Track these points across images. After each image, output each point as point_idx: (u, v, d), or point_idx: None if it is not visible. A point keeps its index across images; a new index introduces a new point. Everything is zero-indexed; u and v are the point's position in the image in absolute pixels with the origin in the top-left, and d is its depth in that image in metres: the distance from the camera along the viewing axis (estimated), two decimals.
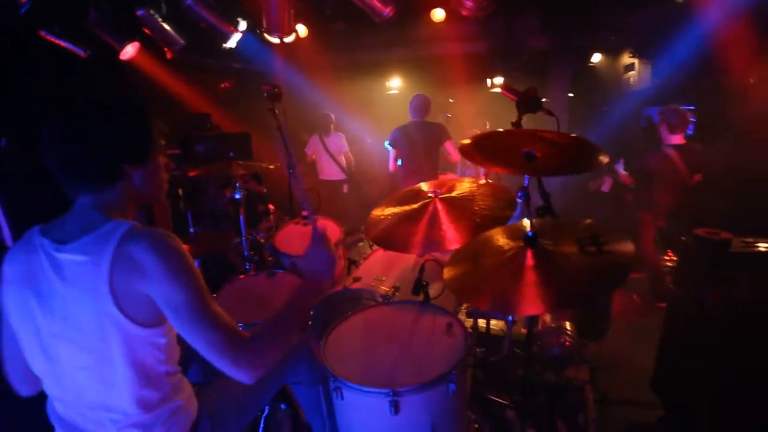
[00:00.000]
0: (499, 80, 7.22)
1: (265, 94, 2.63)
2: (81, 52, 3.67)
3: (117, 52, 3.60)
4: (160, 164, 1.19)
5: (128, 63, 3.71)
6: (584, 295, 1.21)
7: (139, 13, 3.29)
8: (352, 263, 2.92)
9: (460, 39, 5.13)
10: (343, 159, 5.47)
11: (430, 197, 1.93)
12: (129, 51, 3.61)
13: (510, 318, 2.01)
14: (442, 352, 1.49)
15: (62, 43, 3.58)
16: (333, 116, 5.58)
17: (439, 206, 1.90)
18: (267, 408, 2.05)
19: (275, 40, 3.33)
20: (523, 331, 2.36)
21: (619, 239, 1.25)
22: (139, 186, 1.14)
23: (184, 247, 1.08)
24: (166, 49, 3.56)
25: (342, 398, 1.45)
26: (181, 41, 3.53)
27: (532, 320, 2.06)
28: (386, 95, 8.26)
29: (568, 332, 2.53)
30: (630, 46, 4.97)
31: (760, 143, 4.24)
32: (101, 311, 1.01)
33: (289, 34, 3.29)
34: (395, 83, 8.15)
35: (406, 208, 1.98)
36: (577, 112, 7.05)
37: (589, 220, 1.45)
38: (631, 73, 5.07)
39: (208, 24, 3.27)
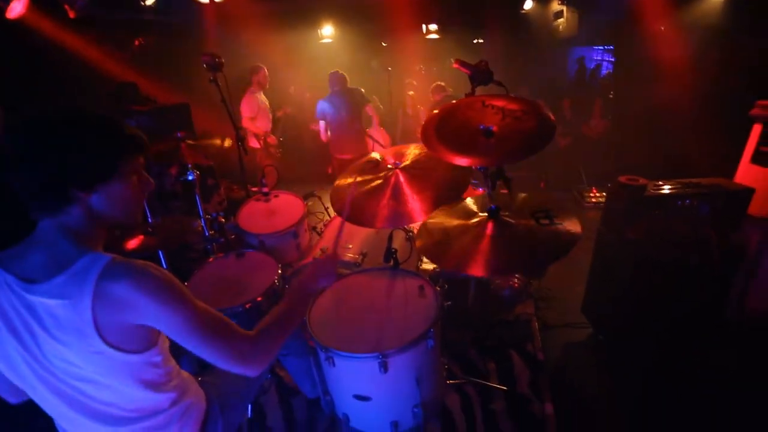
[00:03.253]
0: (433, 26, 7.17)
1: (205, 65, 2.46)
2: None
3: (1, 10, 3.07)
4: (128, 184, 1.08)
5: (21, 24, 3.17)
6: (530, 264, 1.43)
7: None
8: (313, 230, 2.98)
9: None
10: (243, 123, 4.69)
11: (391, 168, 2.01)
12: (16, 8, 3.08)
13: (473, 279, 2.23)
14: (419, 313, 1.66)
15: None
16: (261, 68, 4.74)
17: (402, 177, 1.98)
18: None
19: (204, 0, 3.00)
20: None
21: (569, 217, 1.44)
22: (100, 210, 1.05)
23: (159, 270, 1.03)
24: (66, 6, 3.05)
25: (334, 365, 1.60)
26: None
27: None
28: (319, 44, 7.87)
29: (516, 276, 2.86)
30: None
31: (669, 85, 4.73)
32: (90, 350, 0.98)
33: None
34: (327, 31, 7.75)
35: (369, 178, 2.05)
36: (515, 57, 7.30)
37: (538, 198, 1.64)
38: (560, 20, 5.29)
39: None
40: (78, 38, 3.41)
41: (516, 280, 2.81)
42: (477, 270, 1.39)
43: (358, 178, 2.04)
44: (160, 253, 2.06)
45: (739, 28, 4.11)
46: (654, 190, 2.67)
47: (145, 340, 1.06)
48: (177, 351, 1.25)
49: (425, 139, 1.62)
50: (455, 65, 1.81)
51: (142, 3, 3.13)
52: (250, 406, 2.25)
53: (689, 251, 2.58)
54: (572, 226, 1.40)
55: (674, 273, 2.61)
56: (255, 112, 4.72)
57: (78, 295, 0.95)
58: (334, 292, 1.90)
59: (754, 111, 2.84)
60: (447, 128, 1.64)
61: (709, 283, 2.65)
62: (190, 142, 2.26)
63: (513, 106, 1.61)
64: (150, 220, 1.98)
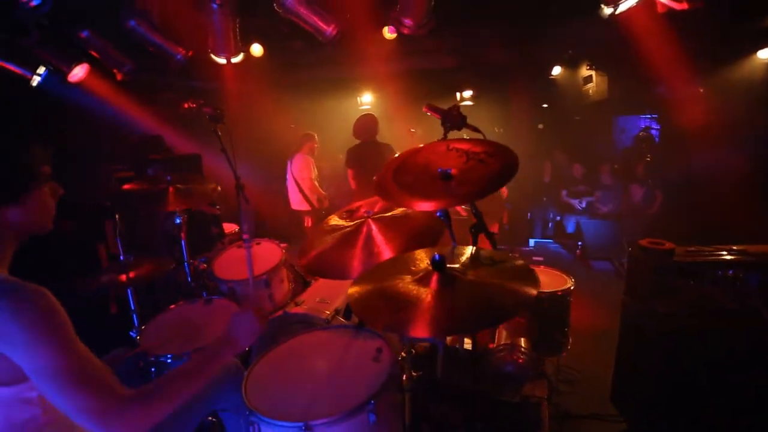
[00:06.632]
0: (467, 93, 7.34)
1: (207, 117, 2.60)
2: (29, 75, 3.59)
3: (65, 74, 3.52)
4: (41, 195, 1.09)
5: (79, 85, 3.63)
6: (471, 326, 1.27)
7: (83, 34, 3.22)
8: (304, 282, 2.86)
9: (421, 53, 5.19)
10: (307, 186, 4.94)
11: (363, 218, 1.90)
12: (78, 73, 3.53)
13: (441, 343, 1.96)
14: (364, 380, 1.42)
15: (9, 66, 3.50)
16: (314, 136, 5.07)
17: (373, 227, 1.87)
18: None
19: (222, 61, 3.29)
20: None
21: (529, 278, 1.23)
22: (16, 222, 1.05)
23: (54, 303, 0.97)
24: (114, 70, 3.48)
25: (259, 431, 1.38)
26: (130, 62, 3.45)
27: (474, 337, 2.02)
28: (360, 111, 8.30)
29: (522, 349, 2.48)
30: (587, 58, 5.11)
31: (713, 150, 4.35)
32: None
33: (236, 54, 3.26)
34: (367, 99, 8.18)
35: (341, 225, 1.95)
36: (548, 121, 7.22)
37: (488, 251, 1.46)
38: (590, 84, 5.20)
39: (155, 46, 3.22)
40: (123, 97, 3.86)
41: (521, 355, 2.43)
42: (417, 331, 1.17)
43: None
44: (129, 290, 2.03)
45: None
46: (686, 256, 2.30)
47: (14, 370, 0.95)
48: None
49: (379, 187, 1.51)
50: (425, 110, 1.74)
51: (182, 67, 3.47)
52: None
53: (736, 328, 2.12)
54: (529, 285, 1.17)
55: (719, 355, 2.14)
56: (315, 175, 4.90)
57: None
58: (288, 349, 1.72)
59: None
60: (405, 174, 1.52)
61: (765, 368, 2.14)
62: (179, 186, 2.31)
63: (477, 149, 1.48)
64: (122, 257, 1.98)
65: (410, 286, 1.25)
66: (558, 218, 6.16)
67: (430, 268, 1.25)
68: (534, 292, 1.15)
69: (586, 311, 3.92)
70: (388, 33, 3.65)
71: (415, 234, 1.79)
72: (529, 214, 6.22)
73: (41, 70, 3.62)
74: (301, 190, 4.89)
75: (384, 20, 3.43)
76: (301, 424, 1.27)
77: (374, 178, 1.57)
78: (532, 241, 6.04)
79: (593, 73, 5.03)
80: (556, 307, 2.67)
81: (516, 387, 2.53)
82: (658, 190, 5.42)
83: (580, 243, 5.41)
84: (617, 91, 5.13)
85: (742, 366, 2.12)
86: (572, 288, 2.68)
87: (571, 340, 2.77)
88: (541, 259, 5.60)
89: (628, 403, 2.56)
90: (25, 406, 0.99)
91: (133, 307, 2.06)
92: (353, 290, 1.33)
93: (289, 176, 5.02)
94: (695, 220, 4.20)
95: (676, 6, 2.37)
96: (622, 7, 2.42)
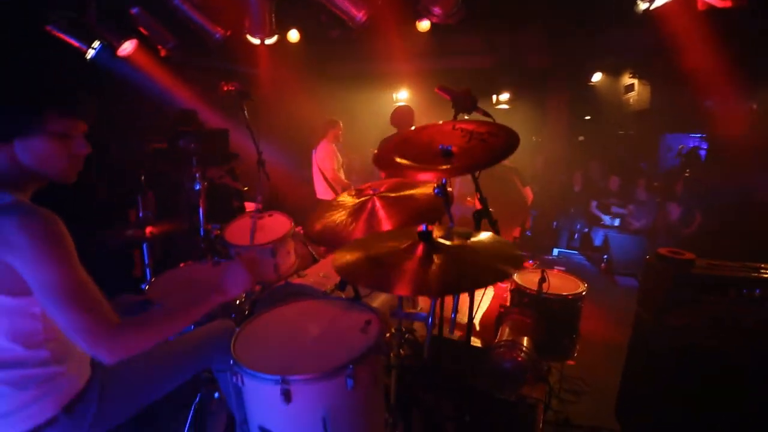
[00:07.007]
0: (504, 96, 7.22)
1: (237, 93, 2.71)
2: (84, 48, 3.85)
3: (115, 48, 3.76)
4: (52, 143, 1.11)
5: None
6: (442, 290, 1.29)
7: (134, 11, 3.43)
8: (314, 260, 2.92)
9: (456, 52, 5.15)
10: (330, 176, 4.82)
11: (369, 195, 1.94)
12: (127, 47, 3.76)
13: (429, 322, 1.95)
14: (348, 347, 1.44)
15: (67, 39, 3.77)
16: (338, 122, 4.90)
17: (378, 203, 1.91)
18: (198, 395, 2.05)
19: (256, 41, 3.41)
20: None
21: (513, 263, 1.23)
22: (25, 159, 1.10)
23: (61, 230, 1.05)
24: (159, 47, 3.69)
25: (243, 384, 1.43)
26: (173, 40, 3.64)
27: (470, 330, 2.01)
28: (394, 106, 8.33)
29: (524, 348, 2.43)
30: (629, 66, 4.90)
31: (762, 171, 4.07)
32: None
33: (271, 36, 3.37)
34: (402, 95, 8.20)
35: (348, 201, 2.01)
36: (589, 133, 6.95)
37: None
38: (632, 93, 4.98)
39: (196, 24, 3.39)
40: (165, 73, 4.08)
41: (522, 354, 2.38)
42: (398, 289, 1.22)
43: None
44: (144, 245, 2.15)
45: None
46: (707, 269, 2.18)
47: (21, 282, 1.03)
48: None
49: (379, 158, 1.54)
50: (437, 90, 1.75)
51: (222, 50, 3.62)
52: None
53: (754, 348, 1.99)
54: (510, 266, 1.17)
55: (735, 373, 2.01)
56: (339, 164, 4.84)
57: None
58: (281, 312, 1.76)
59: None
60: (407, 149, 1.54)
61: None
62: (198, 157, 2.42)
63: (482, 129, 1.47)
64: (140, 214, 2.10)
65: (396, 253, 1.27)
66: (585, 230, 5.95)
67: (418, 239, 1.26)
68: (512, 272, 1.14)
69: (603, 324, 3.78)
70: (422, 26, 3.66)
71: (416, 214, 1.82)
72: (555, 222, 6.03)
73: (96, 44, 3.88)
74: (325, 179, 4.92)
75: (407, 12, 3.42)
76: (278, 377, 1.30)
77: (375, 151, 1.60)
78: (556, 251, 5.86)
79: (635, 81, 4.81)
80: (566, 311, 2.62)
81: (513, 385, 2.47)
82: (698, 211, 5.12)
83: (605, 256, 5.20)
84: (661, 103, 4.89)
85: (759, 387, 1.98)
86: (584, 294, 2.62)
87: (578, 347, 2.69)
88: (562, 268, 5.41)
89: (632, 418, 2.44)
90: (29, 320, 1.08)
91: (147, 262, 2.18)
92: (341, 253, 1.36)
93: (314, 165, 5.02)
94: (735, 242, 3.95)
95: (718, 3, 2.23)
96: (658, 2, 2.31)
